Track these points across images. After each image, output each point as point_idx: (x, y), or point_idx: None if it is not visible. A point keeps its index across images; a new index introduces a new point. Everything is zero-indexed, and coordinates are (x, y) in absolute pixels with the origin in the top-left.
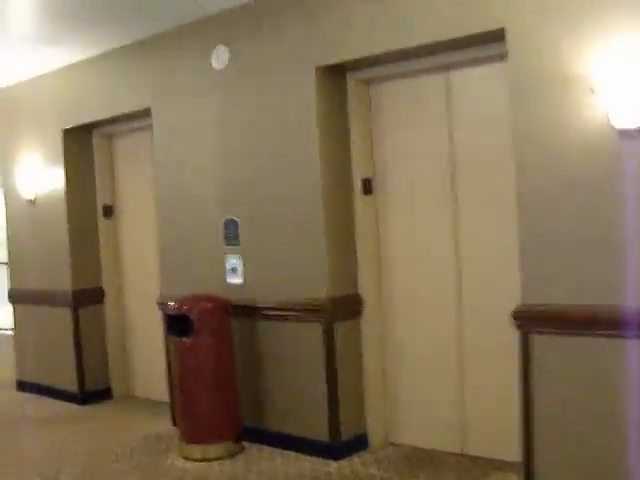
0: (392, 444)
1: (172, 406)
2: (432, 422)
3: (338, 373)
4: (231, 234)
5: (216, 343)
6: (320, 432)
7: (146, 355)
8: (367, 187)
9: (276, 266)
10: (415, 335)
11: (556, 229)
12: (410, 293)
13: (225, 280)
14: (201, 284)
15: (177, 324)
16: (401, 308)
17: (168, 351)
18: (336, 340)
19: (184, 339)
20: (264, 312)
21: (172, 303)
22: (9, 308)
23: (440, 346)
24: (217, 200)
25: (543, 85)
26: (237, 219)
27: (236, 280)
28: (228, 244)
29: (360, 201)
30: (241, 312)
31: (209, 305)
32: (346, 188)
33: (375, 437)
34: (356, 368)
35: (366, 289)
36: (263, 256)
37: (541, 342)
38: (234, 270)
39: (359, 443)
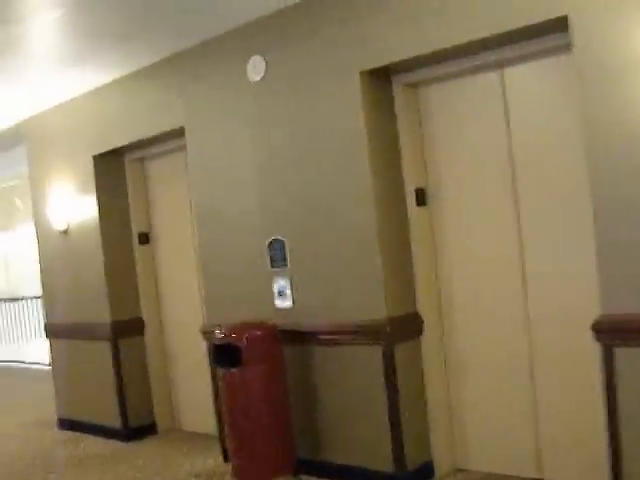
0: (460, 470)
1: (221, 440)
2: (503, 445)
3: (400, 398)
4: (277, 255)
5: (267, 372)
6: (383, 462)
7: (191, 387)
8: (420, 198)
9: (327, 287)
10: (480, 351)
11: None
12: (472, 308)
13: (273, 304)
14: (247, 310)
15: (224, 354)
16: (463, 324)
17: (215, 382)
18: (396, 363)
19: (233, 370)
20: (316, 336)
21: (218, 332)
22: (46, 343)
23: (508, 362)
24: (260, 219)
25: (615, 74)
26: (283, 239)
27: (285, 304)
28: (274, 266)
29: (414, 213)
30: (291, 338)
31: (258, 332)
32: (399, 199)
33: (442, 464)
34: (418, 391)
35: (425, 306)
36: (313, 276)
37: (626, 355)
38: (282, 293)
39: (425, 471)
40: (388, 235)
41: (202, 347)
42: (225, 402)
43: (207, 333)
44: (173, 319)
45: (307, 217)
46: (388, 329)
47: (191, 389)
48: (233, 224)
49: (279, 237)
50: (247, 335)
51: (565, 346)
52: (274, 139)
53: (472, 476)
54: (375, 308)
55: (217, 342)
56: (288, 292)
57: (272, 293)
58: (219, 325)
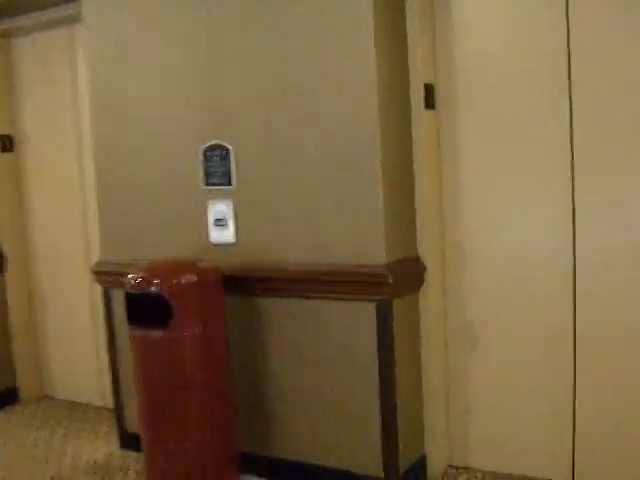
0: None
1: (119, 418)
2: (519, 441)
3: (396, 376)
4: (216, 168)
5: (206, 337)
6: (369, 463)
7: (69, 342)
8: (430, 97)
9: (293, 216)
10: (495, 319)
11: None
12: (490, 255)
13: (206, 238)
14: (165, 243)
15: (140, 307)
16: (474, 277)
17: (112, 340)
18: (395, 326)
19: (156, 332)
20: (272, 286)
21: (133, 275)
22: None
23: (534, 336)
24: (192, 116)
25: None
26: (227, 145)
27: (225, 238)
28: (211, 183)
29: (422, 118)
30: (233, 286)
31: (193, 277)
32: (404, 98)
33: (437, 461)
34: (415, 367)
35: (428, 249)
36: (270, 199)
37: None
38: (221, 223)
39: (418, 471)
40: (392, 143)
41: (89, 291)
42: (140, 375)
43: (101, 274)
44: (46, 253)
45: (269, 113)
46: (390, 279)
47: (69, 346)
48: (149, 123)
49: (220, 142)
50: (179, 281)
51: (614, 323)
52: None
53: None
54: (369, 248)
55: (131, 289)
56: (230, 222)
57: (205, 222)
58: (131, 265)
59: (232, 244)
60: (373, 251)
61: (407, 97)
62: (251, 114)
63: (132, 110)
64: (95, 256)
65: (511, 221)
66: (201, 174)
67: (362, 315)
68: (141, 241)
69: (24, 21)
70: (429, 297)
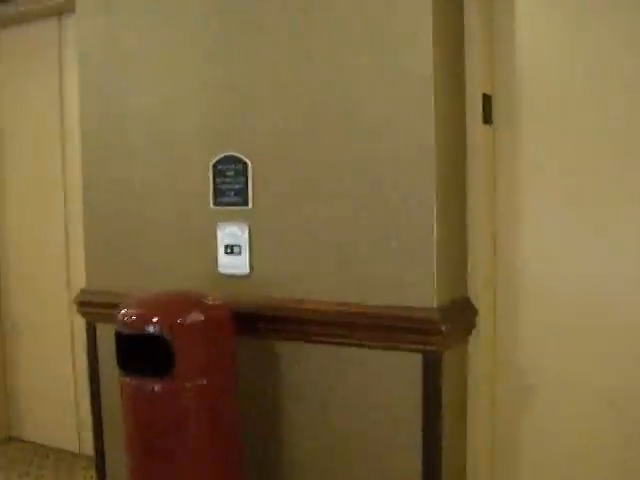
0: None
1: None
2: None
3: (442, 439)
4: (229, 185)
5: (214, 389)
6: None
7: (42, 379)
8: (487, 110)
9: (325, 247)
10: (556, 372)
11: None
12: (552, 294)
13: (214, 267)
14: (164, 274)
15: (133, 350)
16: (533, 321)
17: (95, 387)
18: (444, 382)
19: (153, 381)
20: (294, 329)
21: (126, 311)
22: None
23: (603, 397)
24: (203, 126)
25: None
26: (244, 158)
27: (236, 268)
28: (221, 203)
29: (479, 134)
30: (246, 328)
31: (201, 316)
32: (459, 111)
33: None
34: (462, 426)
35: (479, 288)
36: (300, 228)
37: None
38: (232, 250)
39: None
40: (447, 163)
41: (67, 322)
42: (131, 432)
43: (86, 305)
44: (17, 275)
45: (299, 121)
46: (443, 327)
47: (43, 382)
48: (148, 129)
49: (236, 154)
50: (183, 320)
51: None
52: None
53: None
54: (415, 288)
55: (123, 328)
56: (244, 249)
57: (213, 248)
58: (123, 297)
59: (245, 276)
60: (421, 291)
61: (462, 109)
62: (278, 123)
63: (129, 114)
64: (77, 283)
65: (579, 254)
66: (210, 191)
67: (405, 368)
68: (135, 268)
69: (8, 10)
70: (480, 346)
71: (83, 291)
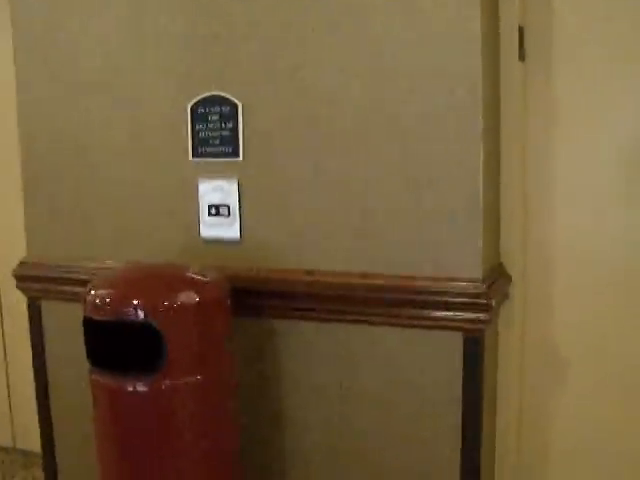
0: None
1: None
2: None
3: (482, 427)
4: (213, 132)
5: (212, 385)
6: None
7: None
8: (521, 45)
9: (340, 206)
10: (590, 345)
11: None
12: (589, 260)
13: (194, 232)
14: (130, 241)
15: (108, 342)
16: (567, 289)
17: (39, 375)
18: (486, 362)
19: (138, 380)
20: (299, 305)
21: (99, 292)
22: None
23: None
24: (178, 57)
25: None
26: (234, 99)
27: (224, 232)
28: (202, 154)
29: (514, 73)
30: (237, 304)
31: (194, 295)
32: (494, 46)
33: None
34: (492, 408)
35: (512, 253)
36: (307, 184)
37: None
38: (217, 211)
39: None
40: (489, 104)
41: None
42: (109, 442)
43: (28, 280)
44: None
45: (308, 53)
46: (490, 301)
47: None
48: (105, 59)
49: (222, 94)
50: (174, 301)
51: None
52: None
53: None
54: (456, 255)
55: (96, 314)
56: (233, 208)
57: (193, 209)
58: (77, 270)
59: (235, 242)
60: (463, 259)
61: (496, 44)
62: (278, 50)
63: (80, 41)
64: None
65: (615, 217)
66: (188, 140)
67: (442, 349)
68: (91, 235)
69: None
70: (512, 317)
71: (23, 263)
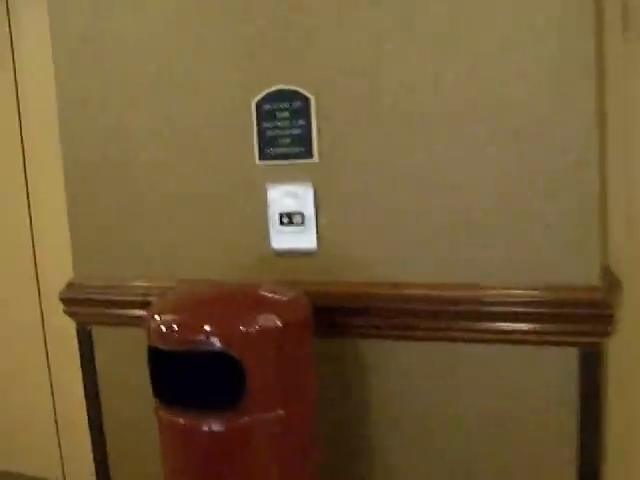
0: None
1: None
2: None
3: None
4: (282, 131)
5: (296, 421)
6: None
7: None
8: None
9: (435, 212)
10: None
11: None
12: None
13: (263, 244)
14: (187, 259)
15: (178, 374)
16: None
17: (93, 408)
18: (603, 377)
19: (216, 417)
20: (390, 322)
21: (165, 317)
22: None
23: None
24: (238, 52)
25: None
26: (306, 93)
27: (298, 243)
28: (270, 156)
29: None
30: (318, 323)
31: (275, 319)
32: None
33: None
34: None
35: (619, 254)
36: (389, 188)
37: None
38: (290, 219)
39: None
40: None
41: (37, 327)
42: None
43: (77, 304)
44: None
45: (394, 37)
46: (612, 311)
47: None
48: (153, 54)
49: (292, 87)
50: (252, 327)
51: None
52: None
53: None
54: (569, 260)
55: (163, 343)
56: (308, 216)
57: (262, 218)
58: (131, 291)
59: (311, 253)
60: (578, 264)
61: (601, 20)
62: (354, 40)
63: (126, 33)
64: (48, 275)
65: None
66: (254, 141)
67: (554, 366)
68: (145, 252)
69: None
70: (623, 328)
71: (71, 285)
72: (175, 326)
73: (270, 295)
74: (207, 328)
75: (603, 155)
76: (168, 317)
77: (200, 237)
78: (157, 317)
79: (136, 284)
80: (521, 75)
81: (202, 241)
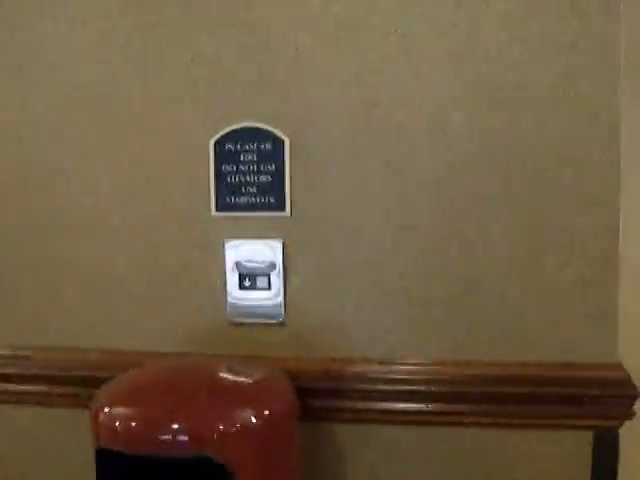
0: None
1: None
2: None
3: None
4: (246, 177)
5: None
6: None
7: None
8: None
9: (425, 278)
10: None
11: None
12: None
13: (218, 312)
14: (124, 330)
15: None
16: None
17: None
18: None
19: None
20: (371, 405)
21: (118, 410)
22: None
23: None
24: (194, 78)
25: None
26: (278, 133)
27: (260, 313)
28: (230, 207)
29: None
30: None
31: (261, 412)
32: None
33: None
34: None
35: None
36: (372, 242)
37: None
38: (252, 282)
39: None
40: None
41: None
42: None
43: None
44: None
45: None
46: (629, 389)
47: None
48: (77, 78)
49: (261, 125)
50: (240, 424)
51: None
52: None
53: None
54: (586, 336)
55: (126, 446)
56: (276, 277)
57: (215, 280)
58: (53, 366)
59: (276, 324)
60: (596, 340)
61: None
62: (343, 64)
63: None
64: None
65: None
66: (211, 187)
67: (566, 453)
68: (72, 320)
69: None
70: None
71: None
72: (138, 423)
73: (245, 379)
74: (186, 426)
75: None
76: (125, 411)
77: (143, 306)
78: (107, 409)
79: (41, 355)
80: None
81: (146, 311)
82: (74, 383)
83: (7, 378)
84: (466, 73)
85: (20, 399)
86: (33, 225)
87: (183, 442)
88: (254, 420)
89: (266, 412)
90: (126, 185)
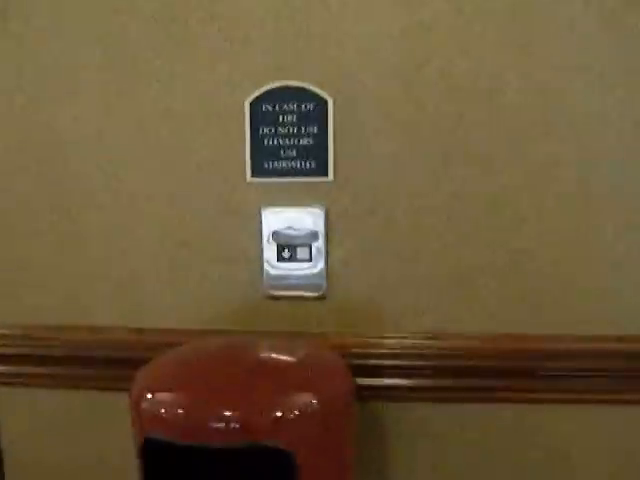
0: None
1: None
2: None
3: None
4: (285, 140)
5: None
6: None
7: None
8: None
9: (483, 250)
10: None
11: None
12: None
13: (254, 286)
14: (149, 306)
15: (195, 472)
16: None
17: None
18: None
19: None
20: (430, 383)
21: (167, 398)
22: None
23: None
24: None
25: None
26: (321, 92)
27: (301, 284)
28: (267, 172)
29: None
30: None
31: (316, 397)
32: None
33: None
34: None
35: None
36: (423, 217)
37: None
38: (293, 253)
39: None
40: None
41: None
42: None
43: None
44: None
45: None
46: None
47: None
48: (99, 37)
49: (301, 84)
50: (298, 410)
51: None
52: None
53: None
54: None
55: (178, 435)
56: (317, 250)
57: (254, 251)
58: (83, 344)
59: (317, 296)
60: None
61: None
62: (385, 24)
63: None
64: None
65: None
66: (246, 151)
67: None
68: (89, 294)
69: None
70: None
71: None
72: (193, 411)
73: (297, 359)
74: (246, 414)
75: None
76: (173, 397)
77: (170, 275)
78: (150, 395)
79: (67, 336)
80: None
81: (172, 281)
82: (106, 363)
83: (36, 360)
84: (523, 33)
85: (49, 382)
86: (55, 195)
87: (236, 430)
88: (314, 404)
89: (325, 394)
90: (154, 150)
